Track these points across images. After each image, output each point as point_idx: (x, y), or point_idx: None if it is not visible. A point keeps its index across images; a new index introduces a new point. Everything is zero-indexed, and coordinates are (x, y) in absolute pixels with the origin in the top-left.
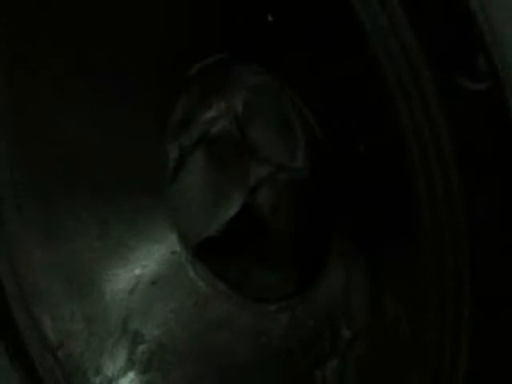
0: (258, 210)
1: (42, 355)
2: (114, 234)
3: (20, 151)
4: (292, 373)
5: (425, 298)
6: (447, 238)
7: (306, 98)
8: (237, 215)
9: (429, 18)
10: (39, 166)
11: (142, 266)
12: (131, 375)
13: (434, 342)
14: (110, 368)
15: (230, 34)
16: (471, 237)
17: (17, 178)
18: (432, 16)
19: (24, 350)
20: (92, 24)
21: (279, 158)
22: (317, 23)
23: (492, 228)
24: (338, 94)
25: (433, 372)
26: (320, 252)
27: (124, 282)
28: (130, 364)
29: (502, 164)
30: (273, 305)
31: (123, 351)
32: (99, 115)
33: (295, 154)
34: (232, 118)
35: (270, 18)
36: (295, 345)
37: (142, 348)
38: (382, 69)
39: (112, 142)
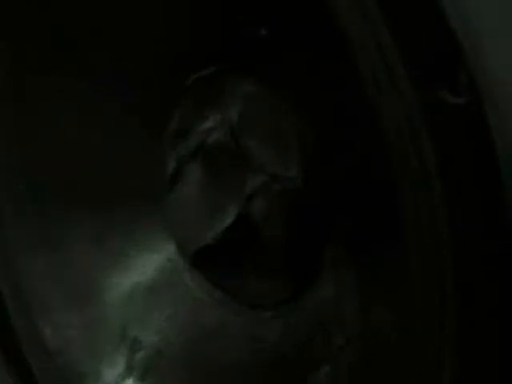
0: (253, 220)
1: (41, 361)
2: (112, 243)
3: (19, 158)
4: (285, 378)
5: (412, 306)
6: (431, 249)
7: (299, 109)
8: (232, 225)
9: (411, 34)
10: (38, 174)
11: (139, 274)
12: (130, 382)
13: (420, 348)
14: (109, 374)
15: (227, 46)
16: (454, 247)
17: (15, 185)
18: (415, 31)
19: (20, 356)
20: (92, 28)
21: (273, 168)
22: (309, 37)
23: (474, 239)
24: (330, 106)
25: (420, 378)
26: (313, 260)
27: (122, 290)
28: (129, 370)
29: (481, 177)
30: (267, 311)
31: (122, 358)
32: (96, 123)
33: (289, 163)
34: (227, 129)
35: (263, 32)
36: (288, 350)
37: (140, 354)
38: (365, 81)
39: (109, 152)
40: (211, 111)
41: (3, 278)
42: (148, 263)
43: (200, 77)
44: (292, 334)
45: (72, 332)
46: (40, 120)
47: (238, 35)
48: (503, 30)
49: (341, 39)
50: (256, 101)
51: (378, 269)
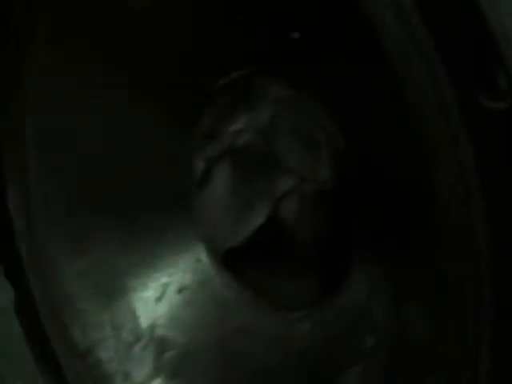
0: (283, 221)
1: (71, 361)
2: (141, 245)
3: (49, 162)
4: (315, 379)
5: (445, 306)
6: (467, 249)
7: (330, 111)
8: (262, 226)
9: (451, 38)
10: (69, 178)
11: (168, 275)
12: (158, 381)
13: (455, 347)
14: (138, 374)
15: (257, 48)
16: (491, 246)
17: (46, 188)
18: (455, 34)
19: (53, 356)
20: (121, 32)
21: (304, 170)
22: (341, 39)
23: None
24: (361, 107)
25: (455, 378)
26: (343, 261)
27: (151, 290)
28: (157, 370)
29: None
30: (297, 312)
31: (150, 358)
32: (126, 125)
33: (319, 166)
34: (257, 131)
35: (295, 35)
36: (318, 352)
37: (168, 354)
38: (404, 85)
39: (139, 153)
40: (241, 113)
41: (35, 280)
42: (177, 264)
43: (230, 79)
44: (322, 336)
45: (100, 332)
46: (71, 121)
47: (269, 38)
48: None
49: (375, 41)
50: (286, 103)
51: (409, 267)
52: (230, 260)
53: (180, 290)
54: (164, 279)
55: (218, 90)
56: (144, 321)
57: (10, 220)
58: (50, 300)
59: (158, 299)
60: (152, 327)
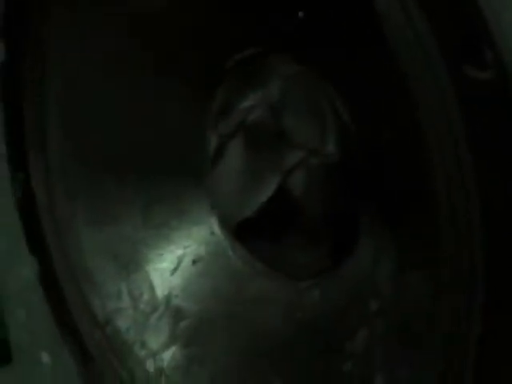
0: (292, 193)
1: (91, 331)
2: (158, 217)
3: (69, 135)
4: (324, 345)
5: (444, 274)
6: (461, 216)
7: (336, 88)
8: (272, 198)
9: (442, 12)
10: (89, 151)
11: (183, 247)
12: (173, 349)
13: (449, 314)
14: (154, 343)
15: (269, 27)
16: (484, 217)
17: (67, 162)
18: (445, 10)
19: (75, 327)
20: (135, 10)
21: (312, 144)
22: (345, 19)
23: (506, 211)
24: (366, 84)
25: (450, 340)
26: (350, 231)
27: (167, 262)
28: (173, 339)
29: (506, 149)
30: (306, 281)
31: (166, 327)
32: (143, 101)
33: (327, 140)
34: (268, 107)
35: (300, 15)
36: (327, 319)
37: (183, 323)
38: (401, 62)
39: (156, 129)
40: (252, 90)
41: (56, 253)
42: (191, 236)
43: (242, 58)
44: (330, 303)
45: (119, 303)
46: (91, 94)
47: (277, 18)
48: None
49: (376, 21)
50: (295, 80)
51: (412, 239)
52: (241, 232)
53: (194, 262)
54: (179, 251)
55: (232, 67)
56: (160, 291)
57: (32, 193)
58: (71, 272)
59: (174, 270)
60: (168, 297)
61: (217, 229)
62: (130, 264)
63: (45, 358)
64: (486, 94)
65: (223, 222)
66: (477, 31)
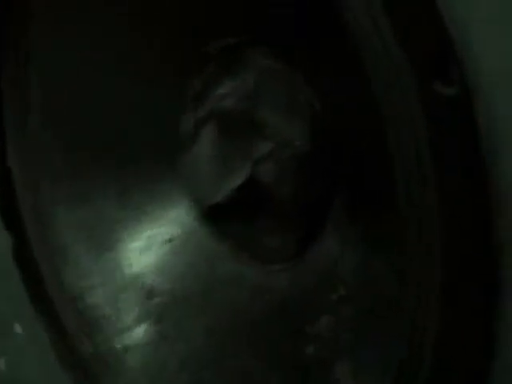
0: (262, 181)
1: (64, 305)
2: (133, 198)
3: (49, 116)
4: (289, 326)
5: (407, 264)
6: (421, 209)
7: (309, 82)
8: (242, 185)
9: (410, 27)
10: (67, 132)
11: (156, 227)
12: (143, 327)
13: (410, 303)
14: (125, 319)
15: (247, 19)
16: (442, 209)
17: (46, 141)
18: (413, 26)
19: (48, 300)
20: None
21: (283, 136)
22: (320, 19)
23: (460, 214)
24: (338, 80)
25: (411, 327)
26: (319, 218)
27: (139, 241)
28: (143, 317)
29: (466, 163)
30: (276, 265)
31: (136, 304)
32: (121, 88)
33: (298, 131)
34: (242, 96)
35: (288, 10)
36: (294, 301)
37: (154, 301)
38: (367, 66)
39: (133, 111)
40: (227, 79)
41: (32, 229)
42: (164, 217)
43: (224, 46)
44: (298, 286)
45: (90, 280)
46: (71, 73)
47: (263, 10)
48: (492, 20)
49: (347, 27)
50: (270, 72)
51: (376, 228)
52: (213, 215)
53: (166, 242)
54: (151, 231)
55: (210, 55)
56: (131, 270)
57: (8, 169)
58: (46, 247)
59: (145, 250)
60: (139, 276)
61: (189, 211)
62: (103, 243)
63: (17, 328)
64: (451, 109)
65: (195, 205)
66: (444, 46)
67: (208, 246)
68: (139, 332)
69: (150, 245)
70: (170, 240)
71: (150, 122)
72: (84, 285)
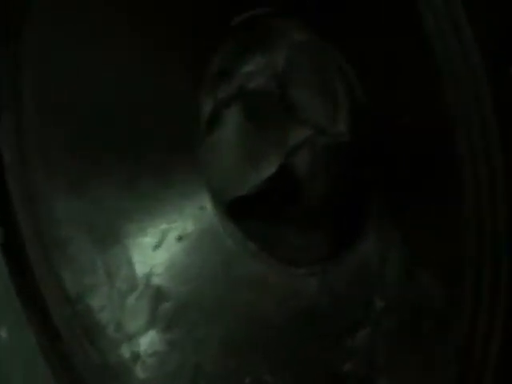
0: (295, 173)
1: (60, 307)
2: (143, 187)
3: (47, 99)
4: (319, 337)
5: (461, 275)
6: (487, 213)
7: (350, 59)
8: (273, 176)
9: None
10: (70, 117)
11: (169, 221)
12: (152, 333)
13: (467, 320)
14: (131, 325)
15: None
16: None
17: (44, 127)
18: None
19: (40, 301)
20: None
21: (320, 121)
22: None
23: None
24: (385, 59)
25: (465, 350)
26: (356, 218)
27: (149, 236)
28: (152, 322)
29: None
30: (304, 268)
31: (145, 308)
32: (132, 65)
33: (336, 116)
34: (271, 75)
35: None
36: (325, 310)
37: (165, 305)
38: (432, 46)
39: (145, 94)
40: (255, 55)
41: (25, 219)
42: (178, 210)
43: (245, 19)
44: (329, 293)
45: (93, 278)
46: (74, 56)
47: None
48: None
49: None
50: (303, 48)
51: (426, 230)
52: (235, 210)
53: (180, 238)
54: (163, 225)
55: (232, 30)
56: (140, 269)
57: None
58: (40, 239)
59: (156, 246)
60: (148, 276)
61: (207, 204)
62: (108, 236)
63: (3, 332)
64: None
65: (215, 198)
66: None
67: (226, 244)
68: (147, 340)
69: (160, 241)
70: (185, 236)
71: (166, 104)
72: (85, 284)
